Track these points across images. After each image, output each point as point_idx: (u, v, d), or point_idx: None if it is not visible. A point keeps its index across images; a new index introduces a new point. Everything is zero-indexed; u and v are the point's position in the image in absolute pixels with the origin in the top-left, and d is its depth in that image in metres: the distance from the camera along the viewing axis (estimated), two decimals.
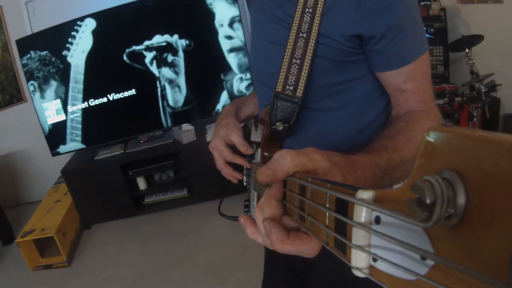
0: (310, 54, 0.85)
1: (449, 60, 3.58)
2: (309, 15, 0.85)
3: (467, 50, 3.03)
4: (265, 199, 0.52)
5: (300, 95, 0.86)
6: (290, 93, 0.86)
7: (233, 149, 1.06)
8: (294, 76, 0.86)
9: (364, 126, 0.97)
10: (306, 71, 0.85)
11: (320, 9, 0.84)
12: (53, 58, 3.40)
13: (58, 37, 3.37)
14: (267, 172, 0.51)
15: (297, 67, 0.86)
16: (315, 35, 0.85)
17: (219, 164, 1.09)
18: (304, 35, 0.85)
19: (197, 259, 2.91)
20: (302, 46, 0.86)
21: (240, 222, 0.59)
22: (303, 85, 0.86)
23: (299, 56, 0.86)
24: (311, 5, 0.85)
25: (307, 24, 0.85)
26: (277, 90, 0.87)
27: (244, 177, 1.10)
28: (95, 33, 3.36)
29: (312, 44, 0.85)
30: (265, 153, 0.95)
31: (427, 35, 3.49)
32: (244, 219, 0.58)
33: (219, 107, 3.61)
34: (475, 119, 3.01)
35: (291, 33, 0.87)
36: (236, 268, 2.71)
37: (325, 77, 0.90)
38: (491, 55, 3.26)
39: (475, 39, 3.04)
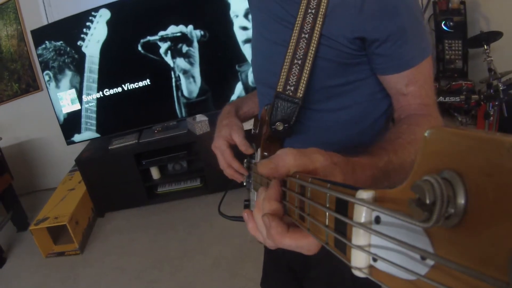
0: (312, 55, 0.85)
1: (468, 55, 3.53)
2: (312, 16, 0.84)
3: (485, 47, 2.98)
4: (264, 199, 0.53)
5: (301, 95, 0.85)
6: (291, 94, 0.86)
7: (235, 149, 1.06)
8: (295, 77, 0.85)
9: (366, 128, 0.96)
10: (308, 72, 0.85)
11: (323, 10, 0.83)
12: (68, 48, 3.44)
13: (73, 27, 3.41)
14: (269, 165, 0.51)
15: (298, 67, 0.85)
16: (317, 36, 0.84)
17: (222, 164, 1.09)
18: (306, 35, 0.85)
19: (208, 251, 2.93)
20: (304, 47, 0.85)
21: (243, 217, 0.60)
22: (304, 85, 0.85)
23: (301, 56, 0.85)
24: (314, 6, 0.84)
25: (310, 25, 0.84)
26: (278, 90, 0.87)
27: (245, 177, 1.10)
28: (109, 23, 3.39)
29: (314, 45, 0.84)
30: (265, 153, 0.95)
31: (446, 28, 3.47)
32: (248, 214, 0.59)
33: (233, 98, 3.60)
34: (492, 117, 2.95)
35: (293, 34, 0.86)
36: (246, 261, 2.73)
37: (327, 78, 0.90)
38: (510, 52, 3.19)
39: (493, 36, 2.99)
